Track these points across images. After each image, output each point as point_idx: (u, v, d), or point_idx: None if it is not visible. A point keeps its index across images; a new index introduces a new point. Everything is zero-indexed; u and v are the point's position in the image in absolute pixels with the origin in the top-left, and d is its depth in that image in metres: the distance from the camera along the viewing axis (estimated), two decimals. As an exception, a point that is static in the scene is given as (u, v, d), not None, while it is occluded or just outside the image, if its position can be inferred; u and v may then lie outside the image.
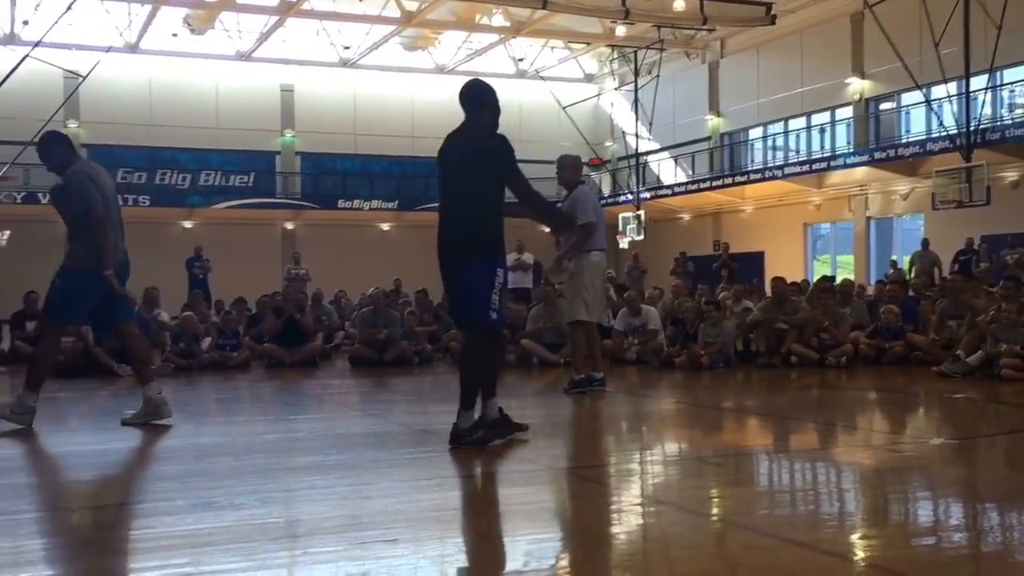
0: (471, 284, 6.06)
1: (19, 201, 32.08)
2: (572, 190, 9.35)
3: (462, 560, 3.79)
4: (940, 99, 25.83)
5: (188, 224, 36.47)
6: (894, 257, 27.79)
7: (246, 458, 6.01)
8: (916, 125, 30.04)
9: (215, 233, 34.12)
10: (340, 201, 37.23)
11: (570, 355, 9.61)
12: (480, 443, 5.99)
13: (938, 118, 26.02)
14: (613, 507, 4.71)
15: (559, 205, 9.90)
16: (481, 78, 6.58)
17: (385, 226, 38.06)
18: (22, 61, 25.38)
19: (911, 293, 15.28)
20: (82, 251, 7.12)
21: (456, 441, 6.02)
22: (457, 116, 6.39)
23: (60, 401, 9.91)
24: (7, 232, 30.46)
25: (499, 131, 6.24)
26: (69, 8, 25.78)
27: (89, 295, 7.17)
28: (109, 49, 29.58)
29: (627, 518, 4.45)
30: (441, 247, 6.20)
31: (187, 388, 11.06)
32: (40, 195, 33.83)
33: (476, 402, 6.14)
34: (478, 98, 6.27)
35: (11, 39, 32.13)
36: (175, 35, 36.16)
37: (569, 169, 9.55)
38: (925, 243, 23.96)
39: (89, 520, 4.29)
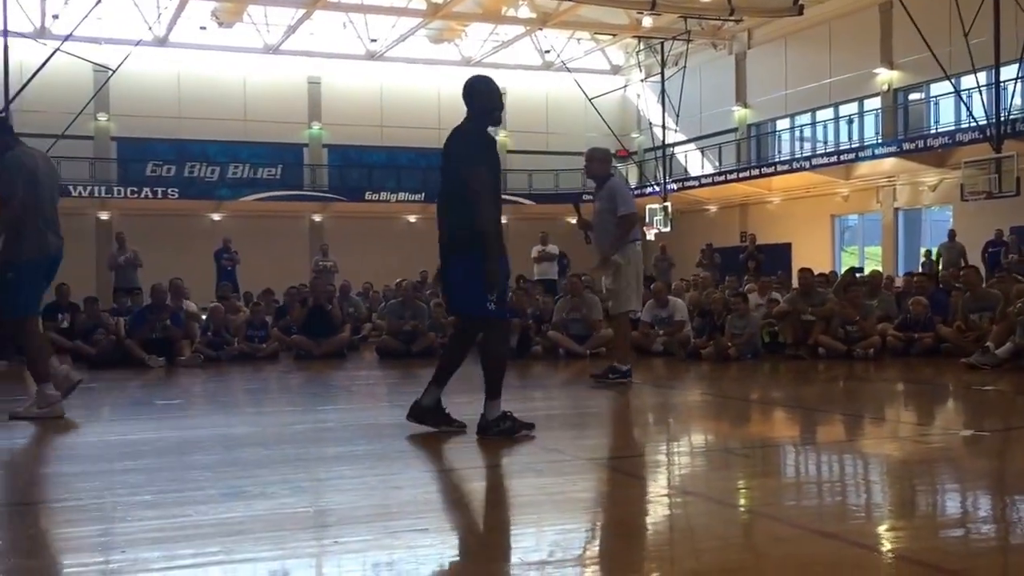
0: (465, 277, 6.14)
1: (49, 194, 32.31)
2: (603, 183, 9.36)
3: (491, 549, 3.82)
4: (969, 89, 25.62)
5: (217, 216, 36.70)
6: (928, 248, 27.60)
7: (276, 448, 6.06)
8: (945, 115, 29.82)
9: (243, 225, 34.37)
10: (367, 193, 37.40)
11: (616, 345, 9.63)
12: (508, 433, 6.04)
13: (967, 108, 25.80)
14: (641, 497, 4.73)
15: (584, 197, 9.92)
16: (485, 73, 6.59)
17: (412, 218, 38.15)
18: (52, 55, 25.58)
19: (939, 285, 15.18)
20: (19, 240, 7.18)
21: (483, 432, 6.07)
22: None
23: (93, 392, 10.01)
24: (38, 224, 30.71)
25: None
26: (99, 2, 25.98)
27: (35, 282, 7.29)
28: (138, 43, 29.78)
29: (655, 508, 4.47)
30: (439, 241, 6.29)
31: (217, 379, 11.16)
32: (71, 188, 34.16)
33: (501, 392, 6.18)
34: (469, 94, 6.32)
35: (41, 33, 32.39)
36: (203, 28, 36.39)
37: (598, 162, 9.55)
38: (951, 234, 23.75)
39: (123, 509, 4.35)
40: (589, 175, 9.65)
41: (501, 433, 6.04)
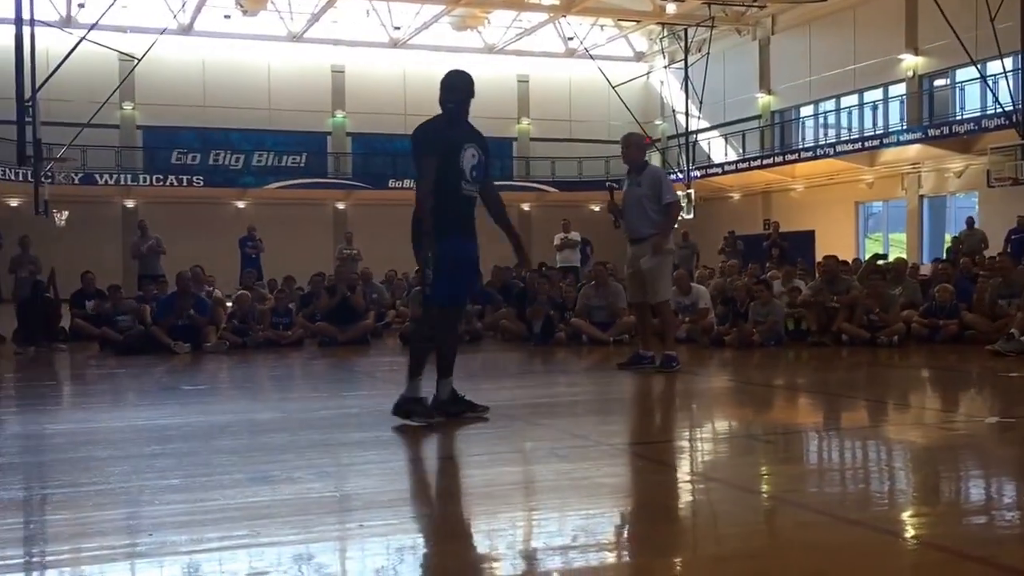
0: (418, 266, 6.51)
1: (77, 182, 32.62)
2: (640, 170, 9.30)
3: (514, 534, 3.84)
4: (996, 75, 25.42)
5: (241, 204, 36.87)
6: (954, 235, 27.37)
7: (301, 433, 6.11)
8: (971, 102, 29.61)
9: (268, 213, 34.52)
10: (391, 181, 37.42)
11: (666, 332, 9.63)
12: (405, 415, 6.14)
13: (993, 94, 25.60)
14: (665, 483, 4.74)
15: (612, 185, 9.85)
16: (461, 68, 6.75)
17: (435, 205, 38.20)
18: (78, 44, 25.73)
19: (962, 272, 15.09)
20: None
21: (395, 408, 6.22)
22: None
23: (119, 377, 10.12)
24: (65, 212, 30.99)
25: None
26: (123, -9, 26.07)
27: None
28: (163, 31, 29.91)
29: (678, 494, 4.48)
30: None
31: (242, 365, 11.24)
32: (97, 176, 34.41)
33: (420, 374, 6.28)
34: (441, 87, 6.59)
35: (67, 22, 32.59)
36: (227, 17, 36.54)
37: (635, 148, 9.49)
38: (970, 222, 23.44)
39: (150, 492, 4.40)
40: (626, 160, 9.55)
41: (402, 413, 6.14)
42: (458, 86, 6.48)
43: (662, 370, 9.12)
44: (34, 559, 3.47)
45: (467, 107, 6.51)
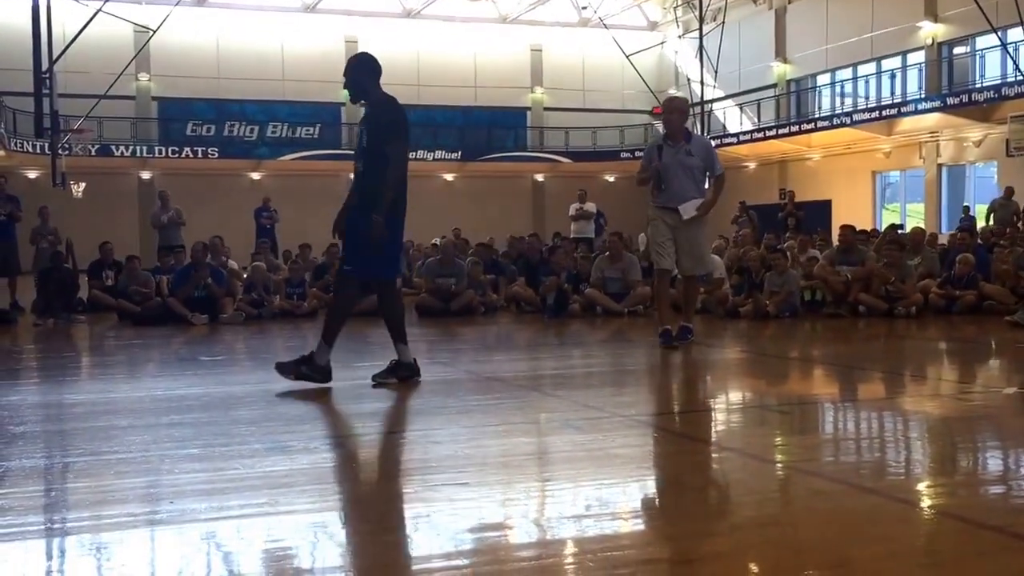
0: None
1: (93, 154, 32.70)
2: (688, 138, 9.09)
3: (528, 504, 3.86)
4: (1016, 42, 25.18)
5: (256, 175, 36.92)
6: (966, 204, 27.18)
7: (317, 404, 6.15)
8: (991, 69, 29.35)
9: (282, 184, 34.57)
10: (404, 152, 37.35)
11: (684, 305, 9.56)
12: (297, 375, 6.59)
13: (1014, 62, 25.37)
14: (679, 454, 4.76)
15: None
16: (359, 52, 7.00)
17: (449, 176, 38.14)
18: (94, 16, 25.73)
19: (979, 242, 15.00)
20: None
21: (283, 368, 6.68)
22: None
23: (137, 348, 10.18)
24: (82, 184, 31.09)
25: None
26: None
27: None
28: (178, 2, 29.85)
29: (693, 464, 4.49)
30: None
31: (258, 336, 11.29)
32: (114, 148, 34.49)
33: (333, 343, 6.84)
34: None
35: (82, -6, 32.56)
36: (241, -13, 36.49)
37: (679, 113, 9.24)
38: (1009, 192, 22.58)
39: (170, 461, 4.44)
40: (668, 126, 9.29)
41: (298, 375, 6.59)
42: (346, 74, 7.02)
43: (678, 341, 9.07)
44: (55, 526, 3.51)
45: (363, 89, 7.18)
